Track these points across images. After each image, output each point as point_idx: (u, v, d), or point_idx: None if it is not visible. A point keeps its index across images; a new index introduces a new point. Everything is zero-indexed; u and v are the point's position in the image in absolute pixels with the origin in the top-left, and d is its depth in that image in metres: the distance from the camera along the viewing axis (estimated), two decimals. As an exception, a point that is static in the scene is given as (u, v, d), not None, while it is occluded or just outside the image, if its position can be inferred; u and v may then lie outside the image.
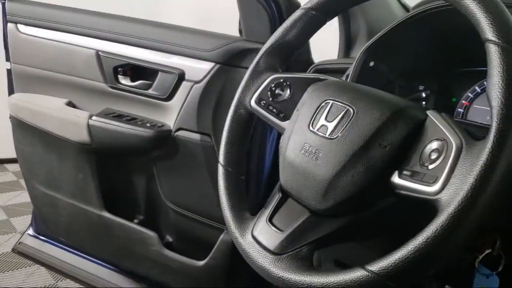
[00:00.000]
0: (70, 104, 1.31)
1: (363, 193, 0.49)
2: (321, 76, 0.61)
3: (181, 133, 1.15)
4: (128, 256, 1.28)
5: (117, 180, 1.31)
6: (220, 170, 0.63)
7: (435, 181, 0.44)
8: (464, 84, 0.78)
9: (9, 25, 1.34)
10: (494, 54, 0.43)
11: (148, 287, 1.30)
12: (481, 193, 0.40)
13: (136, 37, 1.20)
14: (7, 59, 1.37)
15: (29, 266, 1.87)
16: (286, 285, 0.49)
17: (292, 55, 0.67)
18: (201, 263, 1.14)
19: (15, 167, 2.66)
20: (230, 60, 1.10)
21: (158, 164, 1.21)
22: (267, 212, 0.56)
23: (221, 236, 1.12)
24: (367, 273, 0.44)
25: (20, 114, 1.34)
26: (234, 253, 1.10)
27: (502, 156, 0.40)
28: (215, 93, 1.08)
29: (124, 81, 1.23)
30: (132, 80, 1.23)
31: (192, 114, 1.11)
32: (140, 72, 1.21)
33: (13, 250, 1.62)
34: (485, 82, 0.77)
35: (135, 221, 1.29)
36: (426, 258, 0.41)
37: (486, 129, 0.43)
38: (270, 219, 0.56)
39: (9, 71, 1.38)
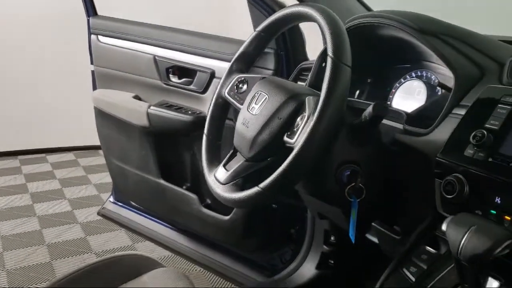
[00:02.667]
0: (136, 97, 1.81)
1: (269, 147, 0.88)
2: (265, 76, 1.00)
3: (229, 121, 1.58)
4: (177, 213, 1.75)
5: (170, 155, 1.77)
6: (204, 137, 1.05)
7: (296, 136, 0.82)
8: (395, 78, 1.12)
9: (92, 36, 1.87)
10: (329, 64, 0.80)
11: (191, 238, 1.76)
12: (312, 138, 0.77)
13: (181, 45, 1.65)
14: (91, 63, 1.91)
15: (112, 231, 2.43)
16: (223, 200, 0.90)
17: (253, 61, 1.06)
18: (227, 217, 1.57)
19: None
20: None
21: (197, 143, 1.65)
22: (224, 161, 0.97)
23: (241, 197, 1.53)
24: (258, 189, 0.83)
25: (100, 105, 1.87)
26: (249, 212, 1.51)
27: (322, 119, 0.77)
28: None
29: (174, 79, 1.69)
30: (179, 78, 1.68)
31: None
32: (184, 71, 1.66)
33: (98, 213, 2.19)
34: (407, 76, 1.10)
35: (183, 187, 1.75)
36: (286, 177, 0.79)
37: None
38: (224, 165, 0.96)
39: (92, 72, 1.92)
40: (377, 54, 1.12)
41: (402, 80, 1.11)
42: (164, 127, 1.68)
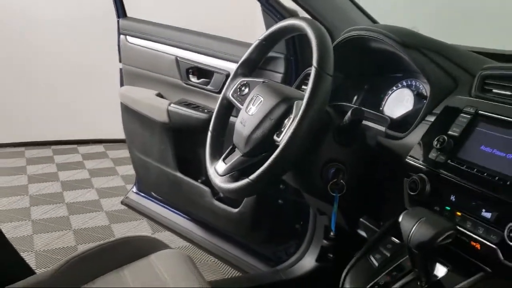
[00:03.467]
0: (159, 94, 1.96)
1: (262, 144, 1.01)
2: (265, 80, 1.13)
3: (234, 119, 1.72)
4: (192, 205, 1.90)
5: (187, 150, 1.92)
6: (209, 134, 1.19)
7: (282, 135, 0.94)
8: (388, 85, 1.22)
9: (121, 36, 2.04)
10: (312, 73, 0.92)
11: (205, 229, 1.90)
12: (294, 137, 0.89)
13: (201, 47, 1.79)
14: (120, 61, 2.08)
15: (135, 221, 2.60)
16: (219, 189, 1.03)
17: (256, 66, 1.19)
18: (236, 210, 1.70)
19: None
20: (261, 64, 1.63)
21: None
22: (223, 155, 1.11)
23: (249, 192, 1.66)
24: (248, 180, 0.96)
25: (126, 101, 2.04)
26: (256, 204, 1.64)
27: (303, 121, 0.89)
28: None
29: (193, 79, 1.84)
30: (198, 78, 1.83)
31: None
32: (203, 72, 1.81)
33: (121, 202, 2.37)
34: (399, 85, 1.21)
35: (199, 180, 1.89)
36: (271, 170, 0.92)
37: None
38: (224, 159, 1.10)
39: (120, 70, 2.09)
40: (372, 63, 1.23)
41: (394, 88, 1.21)
42: (182, 123, 1.83)
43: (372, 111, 1.11)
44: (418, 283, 0.79)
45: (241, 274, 1.73)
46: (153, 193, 2.19)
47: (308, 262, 1.56)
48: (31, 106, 3.62)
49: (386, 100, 1.22)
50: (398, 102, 1.18)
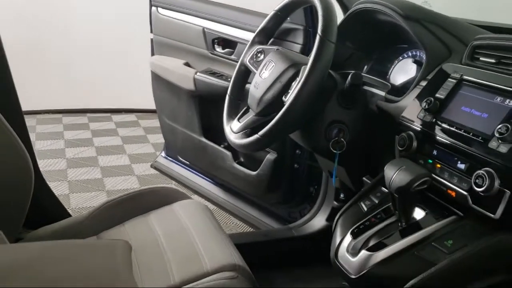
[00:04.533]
0: (186, 64, 2.11)
1: (272, 104, 1.14)
2: (279, 48, 1.25)
3: (249, 85, 1.85)
4: (215, 168, 2.06)
5: (211, 117, 2.07)
6: (227, 97, 1.33)
7: (288, 95, 1.07)
8: (395, 55, 1.33)
9: (153, 8, 2.19)
10: (317, 40, 1.04)
11: (226, 191, 2.06)
12: (298, 97, 1.02)
13: (225, 19, 1.92)
14: (151, 32, 2.23)
15: (164, 184, 2.78)
16: (233, 144, 1.18)
17: (272, 35, 1.32)
18: (254, 173, 1.85)
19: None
20: (281, 35, 1.74)
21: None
22: (238, 115, 1.25)
23: (267, 156, 1.80)
24: (258, 136, 1.10)
25: (156, 69, 2.20)
26: (273, 168, 1.78)
27: (306, 83, 1.02)
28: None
29: (218, 49, 1.97)
30: (223, 49, 1.96)
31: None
32: (227, 43, 1.94)
33: (151, 166, 2.55)
34: (404, 55, 1.31)
35: (221, 145, 2.05)
36: (277, 127, 1.06)
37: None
38: (239, 119, 1.24)
39: (151, 40, 2.25)
40: (380, 35, 1.33)
41: (400, 58, 1.32)
42: (207, 91, 1.97)
43: (374, 78, 1.22)
44: (399, 224, 0.92)
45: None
46: (179, 157, 2.36)
47: (318, 221, 1.69)
48: (68, 76, 3.84)
49: (392, 69, 1.33)
50: (403, 71, 1.29)
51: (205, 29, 1.99)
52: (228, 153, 1.99)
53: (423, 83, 1.05)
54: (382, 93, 1.17)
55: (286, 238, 1.66)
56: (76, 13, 3.73)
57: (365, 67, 1.41)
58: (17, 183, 1.21)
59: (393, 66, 1.33)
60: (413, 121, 0.99)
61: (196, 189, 2.26)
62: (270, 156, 1.81)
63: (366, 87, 1.22)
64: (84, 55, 3.82)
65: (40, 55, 3.72)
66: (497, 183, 0.80)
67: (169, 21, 2.13)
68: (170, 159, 2.46)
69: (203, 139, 2.09)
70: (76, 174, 2.91)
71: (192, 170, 2.30)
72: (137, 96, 3.84)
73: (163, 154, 2.51)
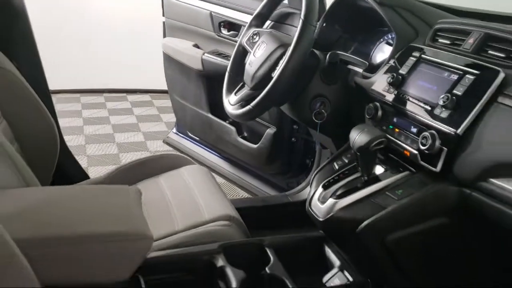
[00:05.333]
0: (195, 45, 2.30)
1: (263, 80, 1.34)
2: (271, 30, 1.44)
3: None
4: (221, 142, 2.26)
5: (218, 94, 2.26)
6: (226, 74, 1.52)
7: (275, 71, 1.27)
8: (377, 38, 1.51)
9: (165, -7, 2.38)
10: (300, 23, 1.23)
11: (230, 163, 2.27)
12: (282, 73, 1.22)
13: (230, 3, 2.11)
14: (163, 15, 2.43)
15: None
16: (230, 115, 1.38)
17: (267, 18, 1.50)
18: (255, 146, 2.05)
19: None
20: (280, 19, 1.93)
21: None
22: (235, 90, 1.45)
23: (267, 131, 2.00)
24: (250, 107, 1.30)
25: (167, 50, 2.40)
26: (273, 141, 1.98)
27: (290, 61, 1.21)
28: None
29: (224, 31, 2.17)
30: (228, 31, 2.15)
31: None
32: (232, 26, 2.13)
33: (163, 141, 2.77)
34: (385, 37, 1.48)
35: (226, 121, 2.25)
36: (266, 98, 1.25)
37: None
38: (235, 93, 1.44)
39: (163, 23, 2.45)
40: (364, 19, 1.51)
41: (381, 40, 1.49)
42: (214, 71, 2.17)
43: (354, 57, 1.40)
44: (362, 178, 1.11)
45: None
46: (189, 133, 2.57)
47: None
48: (87, 58, 4.08)
49: (374, 50, 1.50)
50: (381, 51, 1.47)
51: (212, 13, 2.18)
52: (233, 128, 2.19)
53: (391, 62, 1.23)
54: (360, 70, 1.35)
55: (282, 203, 1.86)
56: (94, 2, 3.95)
57: (351, 48, 1.59)
58: (45, 150, 1.43)
59: (374, 47, 1.51)
60: (379, 94, 1.18)
61: (204, 162, 2.47)
62: (270, 131, 2.01)
63: (350, 66, 1.40)
64: (101, 38, 4.05)
65: (59, 40, 3.96)
66: (438, 142, 0.98)
67: (179, 5, 2.33)
68: (181, 135, 2.67)
69: (210, 116, 2.29)
70: (94, 150, 3.15)
71: (201, 145, 2.51)
72: (151, 77, 4.06)
73: (174, 130, 2.73)
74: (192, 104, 2.39)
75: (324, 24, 1.56)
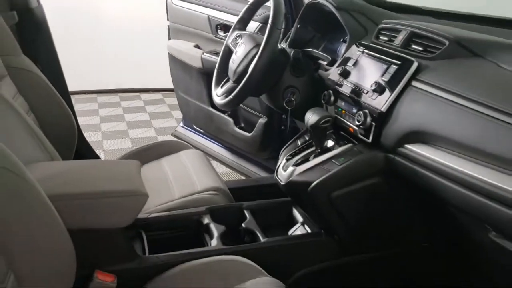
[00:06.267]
0: (196, 46, 2.63)
1: (242, 75, 1.65)
2: (251, 32, 1.75)
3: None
4: (220, 132, 2.59)
5: (217, 90, 2.59)
6: (215, 70, 1.84)
7: (250, 67, 1.58)
8: (342, 36, 1.80)
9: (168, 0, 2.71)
10: (268, 27, 1.54)
11: (228, 150, 2.59)
12: (254, 69, 1.53)
13: (226, 8, 2.43)
14: (167, 19, 2.77)
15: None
16: (217, 104, 1.70)
17: (248, 22, 1.81)
18: (250, 134, 2.36)
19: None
20: (267, 20, 2.24)
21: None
22: (222, 83, 1.77)
23: (259, 120, 2.31)
24: (231, 97, 1.61)
25: (172, 51, 2.74)
26: (264, 130, 2.29)
27: (260, 59, 1.52)
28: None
29: (221, 33, 2.49)
30: (224, 33, 2.47)
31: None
32: (228, 27, 2.44)
33: (171, 134, 3.10)
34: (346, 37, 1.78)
35: (225, 114, 2.57)
36: (242, 90, 1.57)
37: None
38: (221, 86, 1.76)
39: (168, 27, 2.78)
40: (331, 21, 1.81)
41: (346, 38, 1.79)
42: (212, 69, 2.46)
43: (320, 53, 1.69)
44: (316, 150, 1.42)
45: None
46: (194, 126, 2.90)
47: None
48: (102, 60, 4.45)
49: (339, 47, 1.80)
50: (343, 48, 1.76)
51: (209, 17, 2.51)
52: (230, 120, 2.51)
53: (344, 56, 1.54)
54: (324, 63, 1.66)
55: (271, 183, 2.17)
56: (107, 8, 4.32)
57: (322, 45, 1.89)
58: (65, 135, 1.77)
59: (339, 44, 1.81)
60: (333, 83, 1.49)
61: (208, 152, 2.79)
62: (262, 120, 2.32)
63: (320, 61, 1.70)
64: (114, 43, 4.42)
65: (76, 44, 4.34)
66: (369, 119, 1.28)
67: (181, 10, 2.66)
68: (187, 128, 3.00)
69: (211, 109, 2.61)
70: (110, 144, 3.50)
71: (204, 136, 2.84)
72: (162, 77, 4.41)
73: (181, 124, 3.06)
74: (195, 99, 2.72)
75: (298, 26, 1.86)
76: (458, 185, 1.07)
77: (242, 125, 2.52)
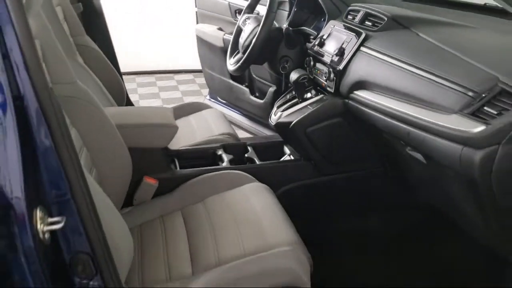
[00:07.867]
0: (219, 28, 3.26)
1: (247, 47, 2.27)
2: (256, 15, 2.36)
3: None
4: (239, 100, 3.21)
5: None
6: (229, 45, 2.46)
7: (253, 41, 2.20)
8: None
9: (195, -11, 3.35)
10: (265, 11, 2.15)
11: (247, 117, 3.22)
12: (256, 43, 2.15)
13: (242, -4, 3.04)
14: (195, 6, 3.41)
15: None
16: (229, 71, 2.32)
17: (255, 6, 2.43)
18: (262, 101, 2.98)
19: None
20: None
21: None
22: (234, 54, 2.39)
23: (269, 89, 2.92)
24: (239, 64, 2.24)
25: (199, 34, 3.38)
26: (273, 97, 2.89)
27: (259, 35, 2.13)
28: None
29: (238, 17, 3.10)
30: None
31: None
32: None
33: (200, 106, 3.74)
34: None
35: (243, 84, 3.18)
36: (246, 59, 2.19)
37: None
38: (234, 57, 2.38)
39: (196, 12, 3.42)
40: (320, 4, 2.40)
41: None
42: (232, 47, 3.11)
43: (309, 29, 2.29)
44: (298, 100, 2.02)
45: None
46: (218, 98, 3.54)
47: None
48: (140, 45, 5.14)
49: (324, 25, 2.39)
50: (329, 26, 2.36)
51: (230, 3, 3.13)
52: (247, 89, 3.13)
53: (322, 31, 2.13)
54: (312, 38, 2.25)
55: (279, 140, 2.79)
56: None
57: (314, 24, 2.48)
58: (116, 95, 2.44)
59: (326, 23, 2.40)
60: (313, 51, 2.09)
61: (230, 120, 3.43)
62: (271, 89, 2.93)
63: (311, 37, 2.30)
64: (152, 29, 5.10)
65: (119, 31, 5.04)
66: (332, 75, 1.88)
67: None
68: (213, 100, 3.64)
69: (231, 81, 3.24)
70: (147, 117, 4.18)
71: (226, 106, 3.47)
72: (193, 59, 5.08)
73: (208, 97, 3.70)
74: (218, 74, 3.36)
75: (296, 9, 2.46)
76: (387, 117, 1.66)
77: (257, 94, 3.14)
